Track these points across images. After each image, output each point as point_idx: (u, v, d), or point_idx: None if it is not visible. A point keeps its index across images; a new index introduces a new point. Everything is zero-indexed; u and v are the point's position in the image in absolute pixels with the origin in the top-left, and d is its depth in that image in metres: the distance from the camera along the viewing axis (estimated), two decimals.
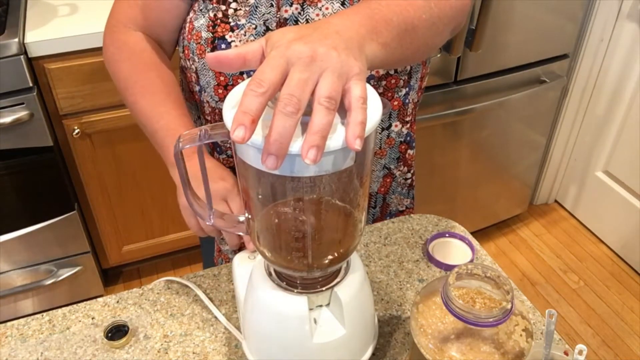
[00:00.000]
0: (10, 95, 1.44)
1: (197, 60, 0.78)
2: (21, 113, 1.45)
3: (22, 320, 0.75)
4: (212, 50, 0.76)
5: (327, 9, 0.74)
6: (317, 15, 0.74)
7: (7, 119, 1.44)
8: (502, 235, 2.30)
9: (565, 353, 0.63)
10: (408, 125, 0.90)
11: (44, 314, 0.76)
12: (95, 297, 0.80)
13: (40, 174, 1.61)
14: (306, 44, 0.45)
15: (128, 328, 0.72)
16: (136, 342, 0.72)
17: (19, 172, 1.57)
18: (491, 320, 0.53)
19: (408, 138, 0.92)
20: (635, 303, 1.99)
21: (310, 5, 0.74)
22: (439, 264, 0.82)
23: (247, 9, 0.74)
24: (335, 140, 0.44)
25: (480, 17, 1.57)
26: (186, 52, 0.80)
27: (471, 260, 0.83)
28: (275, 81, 0.44)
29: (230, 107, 0.47)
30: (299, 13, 0.74)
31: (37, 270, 1.77)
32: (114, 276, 2.04)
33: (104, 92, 1.53)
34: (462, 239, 0.87)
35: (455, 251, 0.85)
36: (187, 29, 0.79)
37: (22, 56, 1.40)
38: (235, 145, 0.49)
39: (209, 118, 0.84)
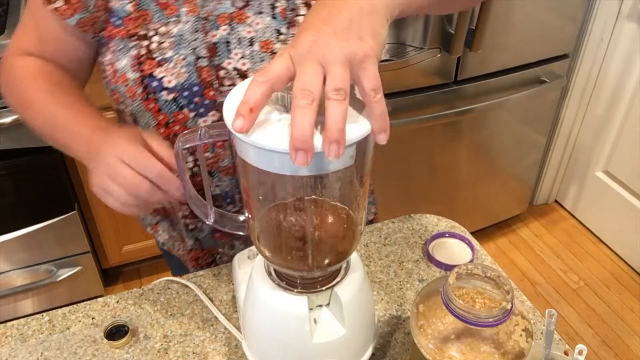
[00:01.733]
0: None
1: (129, 103, 0.73)
2: None
3: (22, 320, 0.75)
4: (144, 89, 0.71)
5: (257, 24, 0.71)
6: (249, 32, 0.71)
7: (7, 119, 1.44)
8: (502, 235, 2.30)
9: (565, 353, 0.63)
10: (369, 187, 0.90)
11: (44, 314, 0.76)
12: (95, 297, 0.80)
13: (40, 174, 1.60)
14: (306, 37, 0.44)
15: (128, 328, 0.72)
16: (136, 342, 0.72)
17: (19, 172, 1.57)
18: (491, 320, 0.53)
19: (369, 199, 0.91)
20: (635, 303, 1.99)
21: (239, 24, 0.71)
22: (439, 264, 0.82)
23: (172, 39, 0.70)
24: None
25: (480, 17, 1.57)
26: (116, 96, 0.75)
27: (471, 260, 0.83)
28: (279, 73, 0.43)
29: (230, 105, 0.47)
30: (229, 34, 0.71)
31: (37, 270, 1.77)
32: (114, 276, 2.04)
33: (104, 92, 1.53)
34: (462, 239, 0.87)
35: (455, 251, 0.85)
36: (109, 72, 0.73)
37: None
38: (236, 144, 0.49)
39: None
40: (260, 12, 0.72)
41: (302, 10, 0.73)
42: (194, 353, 0.70)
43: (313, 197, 0.54)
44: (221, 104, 0.72)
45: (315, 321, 0.58)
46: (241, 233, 0.61)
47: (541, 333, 0.72)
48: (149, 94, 0.71)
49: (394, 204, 1.94)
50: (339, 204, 0.56)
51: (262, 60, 0.72)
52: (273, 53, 0.72)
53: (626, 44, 1.94)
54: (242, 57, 0.72)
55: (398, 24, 1.59)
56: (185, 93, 0.71)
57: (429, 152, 1.88)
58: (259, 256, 0.60)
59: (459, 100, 1.78)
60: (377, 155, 0.53)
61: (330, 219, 0.57)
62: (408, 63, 1.61)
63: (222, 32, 0.71)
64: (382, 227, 0.90)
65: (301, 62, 0.43)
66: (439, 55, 1.65)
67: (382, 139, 0.44)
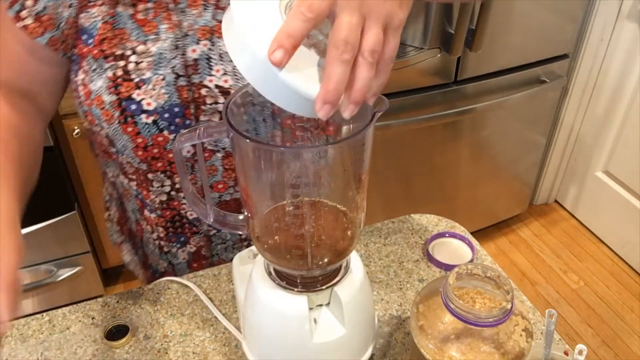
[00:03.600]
0: None
1: (105, 126, 0.70)
2: None
3: (22, 320, 0.75)
4: (122, 113, 0.67)
5: None
6: None
7: None
8: (502, 235, 2.30)
9: (565, 353, 0.63)
10: None
11: (44, 314, 0.76)
12: (95, 297, 0.80)
13: (40, 174, 1.60)
14: None
15: (128, 328, 0.72)
16: (136, 342, 0.72)
17: None
18: (491, 320, 0.53)
19: None
20: (635, 303, 1.99)
21: (220, 38, 0.68)
22: (439, 264, 0.82)
23: (150, 59, 0.67)
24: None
25: (480, 17, 1.58)
26: (89, 118, 0.71)
27: (471, 260, 0.83)
28: (324, 12, 0.40)
29: (246, 17, 0.42)
30: (210, 49, 0.68)
31: (37, 270, 1.77)
32: (114, 276, 2.04)
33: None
34: (462, 239, 0.87)
35: (455, 251, 0.85)
36: (82, 93, 0.70)
37: None
38: (235, 141, 0.48)
39: (133, 177, 0.76)
40: None
41: None
42: (194, 353, 0.70)
43: (312, 195, 0.54)
44: (203, 122, 0.70)
45: (315, 321, 0.58)
46: (240, 233, 0.61)
47: (541, 333, 0.72)
48: (127, 118, 0.68)
49: (394, 204, 1.94)
50: (338, 203, 0.56)
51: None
52: None
53: (626, 44, 1.94)
54: (224, 74, 0.69)
55: None
56: (166, 115, 0.69)
57: (429, 152, 1.88)
58: (259, 256, 0.60)
59: (459, 100, 1.78)
60: (377, 155, 0.53)
61: (329, 218, 0.57)
62: (408, 63, 1.61)
63: (202, 47, 0.68)
64: (382, 227, 0.90)
65: (346, 8, 0.41)
66: (439, 55, 1.65)
67: (372, 101, 0.43)
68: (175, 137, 0.70)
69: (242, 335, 0.66)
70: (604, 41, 1.98)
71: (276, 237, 0.57)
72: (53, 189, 1.64)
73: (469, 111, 1.80)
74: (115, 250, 2.00)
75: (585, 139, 2.21)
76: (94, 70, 0.68)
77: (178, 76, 0.68)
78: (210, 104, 0.70)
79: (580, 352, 0.57)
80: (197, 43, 0.68)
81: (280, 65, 0.39)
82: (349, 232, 0.57)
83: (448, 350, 0.55)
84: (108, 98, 0.68)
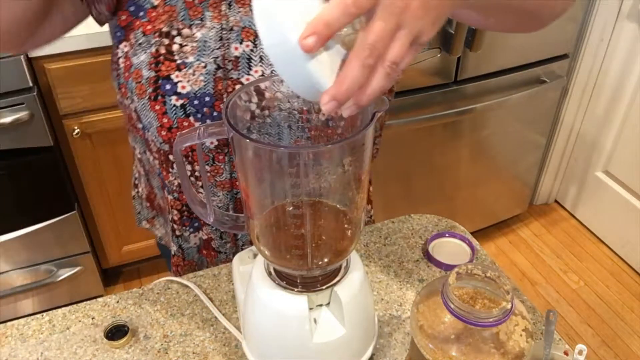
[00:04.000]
0: (10, 95, 1.44)
1: (136, 100, 0.71)
2: (21, 113, 1.45)
3: (22, 320, 0.75)
4: (155, 90, 0.69)
5: None
6: None
7: (7, 119, 1.44)
8: (502, 235, 2.30)
9: (565, 353, 0.63)
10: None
11: (44, 314, 0.76)
12: (95, 297, 0.80)
13: (40, 174, 1.61)
14: None
15: (128, 328, 0.72)
16: (136, 342, 0.72)
17: (19, 172, 1.57)
18: (491, 320, 0.53)
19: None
20: (635, 303, 1.99)
21: None
22: (439, 264, 0.82)
23: (195, 44, 0.68)
24: None
25: None
26: (123, 90, 0.72)
27: (471, 260, 0.83)
28: (366, 9, 0.40)
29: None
30: (252, 50, 0.69)
31: (37, 270, 1.77)
32: (114, 276, 2.04)
33: (104, 92, 1.53)
34: (462, 239, 0.87)
35: (455, 251, 0.85)
36: (122, 65, 0.71)
37: (22, 56, 1.40)
38: (235, 141, 0.48)
39: (156, 155, 0.77)
40: None
41: None
42: (194, 353, 0.70)
43: (312, 195, 0.54)
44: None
45: (315, 321, 0.58)
46: (240, 232, 0.61)
47: (541, 333, 0.72)
48: (157, 96, 0.69)
49: (394, 204, 1.94)
50: (337, 203, 0.56)
51: (282, 82, 0.69)
52: None
53: (626, 44, 1.94)
54: (262, 75, 0.70)
55: None
56: (195, 102, 0.69)
57: (429, 152, 1.88)
58: (259, 256, 0.60)
59: (459, 100, 1.78)
60: (378, 155, 0.53)
61: (329, 218, 0.57)
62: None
63: (244, 47, 0.69)
64: (382, 227, 0.90)
65: (386, 11, 0.40)
66: (439, 55, 1.65)
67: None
68: (200, 125, 0.71)
69: (242, 335, 0.66)
70: (604, 41, 1.98)
71: (276, 237, 0.57)
72: (53, 189, 1.64)
73: (469, 111, 1.80)
74: (116, 250, 2.01)
75: (585, 139, 2.21)
76: (140, 44, 0.68)
77: (219, 67, 0.69)
78: (243, 102, 0.71)
79: (580, 352, 0.57)
80: (241, 43, 0.69)
81: (310, 51, 0.39)
82: (349, 232, 0.57)
83: (448, 350, 0.55)
84: (147, 73, 0.68)
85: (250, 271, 0.62)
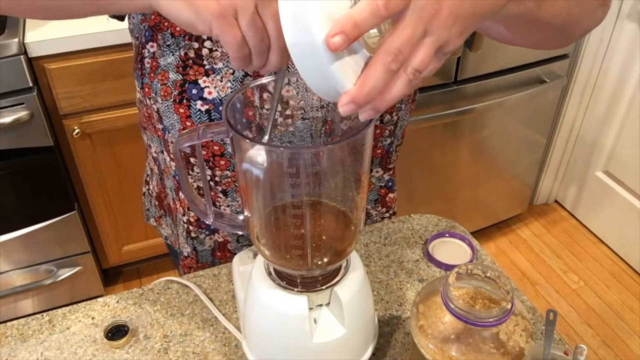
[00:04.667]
0: (10, 95, 1.44)
1: (160, 101, 0.70)
2: (21, 113, 1.45)
3: (22, 320, 0.75)
4: (180, 94, 0.67)
5: None
6: None
7: (7, 119, 1.44)
8: (502, 235, 2.30)
9: (565, 353, 0.63)
10: (390, 172, 0.89)
11: (44, 314, 0.76)
12: (95, 297, 0.80)
13: (40, 174, 1.61)
14: None
15: (128, 328, 0.72)
16: (136, 342, 0.72)
17: (19, 172, 1.57)
18: (491, 320, 0.53)
19: (390, 183, 0.90)
20: (635, 303, 1.99)
21: None
22: (439, 264, 0.82)
23: (224, 50, 0.64)
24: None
25: None
26: (146, 90, 0.71)
27: (471, 260, 0.83)
28: (397, 12, 0.39)
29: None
30: None
31: (37, 270, 1.77)
32: (114, 276, 2.04)
33: (104, 92, 1.53)
34: (462, 239, 0.87)
35: (455, 251, 0.85)
36: (148, 66, 0.70)
37: (22, 56, 1.40)
38: (234, 141, 0.48)
39: (172, 156, 0.77)
40: None
41: None
42: (194, 353, 0.70)
43: (312, 196, 0.54)
44: (257, 125, 0.69)
45: (315, 321, 0.58)
46: (240, 232, 0.61)
47: (541, 333, 0.72)
48: (183, 99, 0.68)
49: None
50: (337, 203, 0.56)
51: (307, 91, 0.67)
52: None
53: (626, 44, 1.94)
54: (288, 83, 0.68)
55: None
56: (220, 108, 0.69)
57: (429, 152, 1.87)
58: (259, 256, 0.60)
59: (459, 100, 1.78)
60: None
61: (329, 218, 0.57)
62: None
63: None
64: (382, 227, 0.90)
65: (415, 16, 0.39)
66: None
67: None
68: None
69: (242, 335, 0.66)
70: (604, 41, 1.98)
71: (276, 237, 0.57)
72: (53, 189, 1.64)
73: (469, 111, 1.80)
74: (116, 250, 2.01)
75: (585, 139, 2.21)
76: (168, 45, 0.67)
77: (247, 75, 0.68)
78: (268, 109, 0.69)
79: (580, 352, 0.57)
80: None
81: (336, 50, 0.38)
82: (348, 232, 0.57)
83: (448, 350, 0.55)
84: (173, 76, 0.67)
85: (250, 271, 0.62)
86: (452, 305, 0.54)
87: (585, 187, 2.28)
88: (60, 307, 0.77)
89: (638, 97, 1.94)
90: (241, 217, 0.61)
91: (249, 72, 0.68)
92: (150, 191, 0.94)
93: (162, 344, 0.71)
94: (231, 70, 0.67)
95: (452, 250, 0.85)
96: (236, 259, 0.70)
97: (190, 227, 0.84)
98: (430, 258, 0.83)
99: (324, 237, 0.57)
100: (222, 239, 0.84)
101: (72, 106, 1.54)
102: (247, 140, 0.48)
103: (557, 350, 0.62)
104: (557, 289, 2.06)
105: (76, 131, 1.57)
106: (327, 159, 0.51)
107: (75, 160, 1.65)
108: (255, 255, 0.69)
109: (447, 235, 0.87)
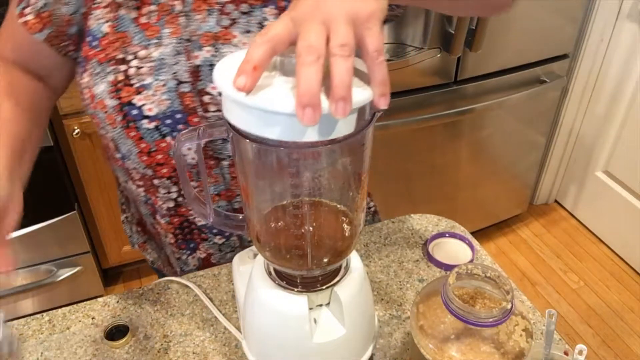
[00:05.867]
0: None
1: (110, 130, 0.70)
2: None
3: (22, 320, 0.75)
4: (124, 117, 0.67)
5: (244, 44, 0.67)
6: None
7: None
8: (502, 235, 2.30)
9: (565, 353, 0.63)
10: None
11: (44, 314, 0.76)
12: (95, 297, 0.80)
13: (40, 174, 1.60)
14: (308, 0, 0.43)
15: (128, 328, 0.72)
16: (136, 342, 0.72)
17: None
18: (491, 320, 0.53)
19: None
20: (635, 303, 1.99)
21: (224, 44, 0.67)
22: (439, 264, 0.82)
23: (152, 64, 0.66)
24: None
25: (480, 17, 1.57)
26: (96, 120, 0.71)
27: (471, 260, 0.83)
28: (280, 34, 0.41)
29: (222, 74, 0.45)
30: (213, 55, 0.67)
31: (37, 270, 1.77)
32: (114, 276, 2.04)
33: None
34: (462, 239, 0.87)
35: (455, 251, 0.85)
36: (87, 96, 0.70)
37: None
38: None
39: (140, 183, 0.76)
40: (248, 31, 0.68)
41: None
42: (194, 353, 0.70)
43: (312, 195, 0.54)
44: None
45: (315, 321, 0.58)
46: (240, 232, 0.61)
47: (541, 333, 0.72)
48: (129, 122, 0.68)
49: (394, 204, 1.94)
50: (337, 202, 0.56)
51: None
52: None
53: (626, 44, 1.94)
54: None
55: (398, 24, 1.59)
56: (168, 121, 0.68)
57: (429, 152, 1.88)
58: (259, 256, 0.60)
59: (459, 100, 1.78)
60: (377, 155, 0.53)
61: (329, 218, 0.57)
62: (408, 63, 1.61)
63: (205, 53, 0.67)
64: (382, 227, 0.90)
65: (303, 23, 0.41)
66: (439, 55, 1.65)
67: (383, 102, 0.42)
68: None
69: (242, 335, 0.66)
70: (604, 41, 1.98)
71: (276, 237, 0.57)
72: (53, 189, 1.64)
73: (469, 111, 1.80)
74: (116, 250, 2.00)
75: (585, 139, 2.21)
76: (97, 73, 0.68)
77: (180, 82, 0.67)
78: (214, 112, 0.69)
79: (580, 352, 0.57)
80: (200, 49, 0.67)
81: (244, 89, 0.40)
82: (348, 232, 0.57)
83: (448, 350, 0.55)
84: (110, 102, 0.67)
85: (250, 271, 0.62)
86: (452, 305, 0.54)
87: (585, 187, 2.28)
88: (60, 307, 0.77)
89: (638, 97, 1.94)
90: (241, 217, 0.61)
91: (182, 80, 0.67)
92: (128, 218, 0.93)
93: (162, 344, 0.71)
94: (162, 82, 0.67)
95: (452, 250, 0.85)
96: (236, 259, 0.70)
97: (173, 249, 0.84)
98: (430, 258, 0.83)
99: (324, 237, 0.57)
100: (204, 255, 0.84)
101: (72, 106, 1.54)
102: (247, 140, 0.48)
103: (557, 350, 0.62)
104: (557, 289, 2.06)
105: (76, 131, 1.57)
106: (327, 159, 0.51)
107: (75, 160, 1.65)
108: (255, 255, 0.69)
109: (447, 235, 0.87)
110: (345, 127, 0.45)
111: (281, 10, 0.69)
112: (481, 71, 1.78)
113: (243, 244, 0.83)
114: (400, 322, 0.74)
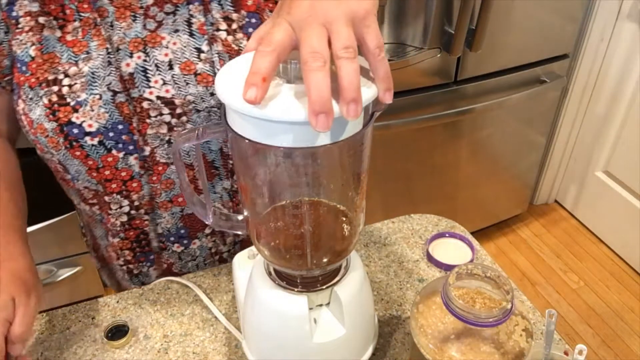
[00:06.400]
0: None
1: (55, 153, 0.68)
2: None
3: None
4: (66, 138, 0.66)
5: (174, 44, 0.67)
6: (166, 55, 0.67)
7: None
8: (502, 235, 2.30)
9: (565, 353, 0.63)
10: None
11: (44, 314, 0.76)
12: (95, 297, 0.80)
13: (40, 174, 1.60)
14: (302, 2, 0.43)
15: (128, 328, 0.72)
16: (136, 342, 0.72)
17: None
18: (491, 320, 0.53)
19: None
20: (635, 303, 1.99)
21: (154, 47, 0.67)
22: (439, 264, 0.82)
23: (84, 79, 0.65)
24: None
25: (480, 17, 1.57)
26: (39, 146, 0.70)
27: (471, 260, 0.83)
28: (283, 41, 0.42)
29: (225, 84, 0.45)
30: (145, 61, 0.67)
31: (37, 270, 1.77)
32: None
33: None
34: (462, 239, 0.87)
35: (455, 251, 0.85)
36: (25, 123, 0.68)
37: None
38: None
39: (94, 201, 0.76)
40: (176, 31, 0.67)
41: (223, 25, 0.68)
42: (194, 353, 0.70)
43: (312, 195, 0.54)
44: (151, 136, 0.69)
45: (315, 321, 0.58)
46: (240, 232, 0.61)
47: (541, 333, 0.72)
48: (72, 142, 0.67)
49: (394, 204, 1.94)
50: (337, 204, 0.56)
51: (187, 84, 0.67)
52: (197, 74, 0.67)
53: (626, 44, 1.94)
54: (164, 84, 0.67)
55: (398, 24, 1.59)
56: (110, 134, 0.67)
57: (429, 152, 1.88)
58: (259, 256, 0.60)
59: (459, 100, 1.78)
60: (377, 155, 0.53)
61: (329, 218, 0.57)
62: (408, 63, 1.61)
63: (136, 59, 0.66)
64: (382, 227, 0.90)
65: (303, 27, 0.41)
66: (439, 55, 1.65)
67: (388, 97, 0.43)
68: (125, 154, 0.69)
69: (242, 335, 0.66)
70: (604, 41, 1.98)
71: (276, 237, 0.57)
72: (53, 189, 1.64)
73: (469, 111, 1.80)
74: None
75: (585, 139, 2.21)
76: (31, 99, 0.66)
77: (115, 93, 0.66)
78: (155, 117, 0.68)
79: (580, 352, 0.57)
80: (131, 56, 0.67)
81: (255, 102, 0.40)
82: (348, 232, 0.57)
83: (448, 350, 0.55)
84: (49, 125, 0.66)
85: (250, 271, 0.62)
86: (452, 305, 0.54)
87: (585, 187, 2.28)
88: (60, 307, 0.77)
89: (638, 97, 1.94)
90: (240, 217, 0.61)
91: (117, 90, 0.66)
92: (87, 242, 0.92)
93: (162, 344, 0.71)
94: (97, 96, 0.66)
95: (452, 250, 0.85)
96: (236, 259, 0.70)
97: (130, 266, 0.83)
98: (430, 258, 0.83)
99: (323, 237, 0.57)
100: (165, 265, 0.83)
101: None
102: (247, 140, 0.48)
103: (557, 350, 0.62)
104: (557, 289, 2.06)
105: None
106: (327, 159, 0.51)
107: None
108: (255, 255, 0.69)
109: (447, 235, 0.87)
110: (354, 126, 0.45)
111: (206, 5, 0.68)
112: (481, 71, 1.78)
113: (204, 251, 0.83)
114: (400, 322, 0.74)
